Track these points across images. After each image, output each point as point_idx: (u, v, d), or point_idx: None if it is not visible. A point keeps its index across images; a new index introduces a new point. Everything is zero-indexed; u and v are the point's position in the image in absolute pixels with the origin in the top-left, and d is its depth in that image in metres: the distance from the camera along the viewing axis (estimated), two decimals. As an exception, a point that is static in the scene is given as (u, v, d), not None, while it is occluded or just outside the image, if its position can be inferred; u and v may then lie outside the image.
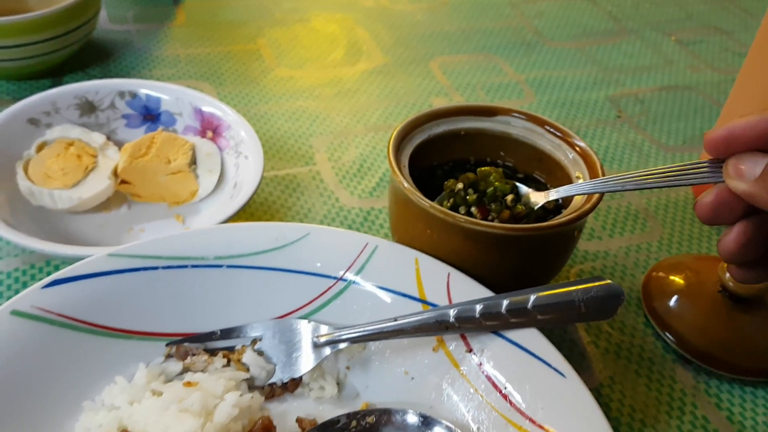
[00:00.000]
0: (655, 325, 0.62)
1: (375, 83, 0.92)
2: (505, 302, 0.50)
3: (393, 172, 0.54)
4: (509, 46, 1.03)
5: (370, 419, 0.49)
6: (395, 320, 0.51)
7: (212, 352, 0.53)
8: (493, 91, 0.93)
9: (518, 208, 0.55)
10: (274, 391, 0.52)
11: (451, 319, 0.50)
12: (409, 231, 0.56)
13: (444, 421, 0.48)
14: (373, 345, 0.54)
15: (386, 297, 0.54)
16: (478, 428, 0.48)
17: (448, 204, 0.56)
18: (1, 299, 0.58)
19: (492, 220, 0.54)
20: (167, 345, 0.53)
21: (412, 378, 0.52)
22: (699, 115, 0.92)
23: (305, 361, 0.52)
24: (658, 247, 0.71)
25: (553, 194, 0.54)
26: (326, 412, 0.51)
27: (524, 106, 0.90)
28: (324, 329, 0.53)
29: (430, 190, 0.57)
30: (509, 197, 0.55)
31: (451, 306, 0.51)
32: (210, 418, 0.46)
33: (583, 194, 0.53)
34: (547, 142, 0.60)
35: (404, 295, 0.53)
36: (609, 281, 0.49)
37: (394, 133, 0.57)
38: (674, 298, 0.62)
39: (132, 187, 0.68)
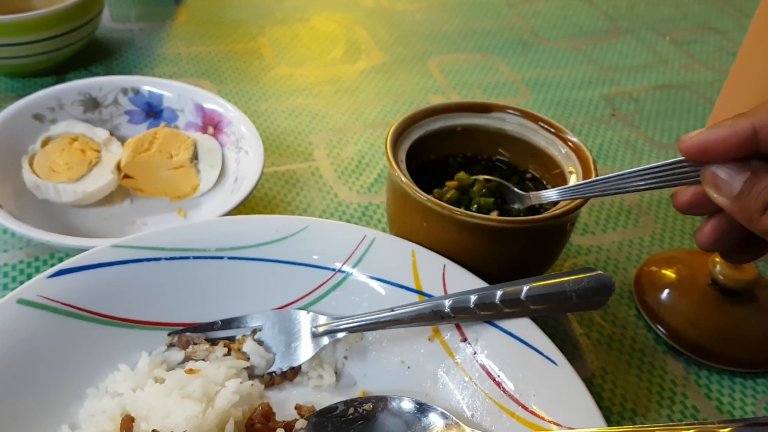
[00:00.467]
0: (646, 317, 0.63)
1: (374, 81, 0.93)
2: (499, 293, 0.51)
3: (391, 166, 0.56)
4: (506, 46, 1.04)
5: (367, 406, 0.50)
6: (392, 310, 0.52)
7: (213, 342, 0.54)
8: (490, 89, 0.94)
9: (513, 207, 0.57)
10: (273, 380, 0.54)
11: (447, 309, 0.51)
12: (406, 224, 0.57)
13: (439, 408, 0.49)
14: (370, 335, 0.55)
15: (383, 288, 0.55)
16: (473, 415, 0.50)
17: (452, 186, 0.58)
18: (7, 290, 0.60)
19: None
20: (169, 334, 0.54)
21: (409, 367, 0.53)
22: (693, 114, 0.94)
23: (304, 351, 0.54)
24: (650, 242, 0.72)
25: (536, 199, 0.56)
26: (324, 400, 0.52)
27: (520, 104, 0.91)
28: (322, 319, 0.54)
29: (427, 185, 0.59)
30: (493, 214, 0.56)
31: (446, 296, 0.52)
32: (211, 404, 0.48)
33: (566, 199, 0.54)
34: (541, 138, 0.62)
35: (401, 286, 0.55)
36: (600, 272, 0.51)
37: (392, 128, 0.58)
38: (666, 292, 0.64)
39: (135, 181, 0.69)
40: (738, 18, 1.18)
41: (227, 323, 0.55)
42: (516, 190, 0.58)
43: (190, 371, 0.50)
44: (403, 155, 0.58)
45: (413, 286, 0.54)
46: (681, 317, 0.61)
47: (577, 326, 0.63)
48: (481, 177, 0.59)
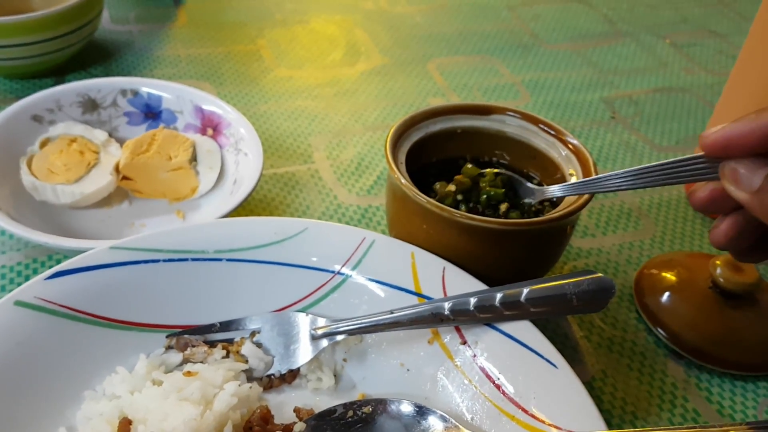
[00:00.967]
0: (647, 320, 0.63)
1: (373, 84, 0.93)
2: (499, 295, 0.51)
3: (390, 168, 0.55)
4: (506, 48, 1.04)
5: (366, 409, 0.50)
6: (391, 313, 0.52)
7: (211, 344, 0.54)
8: (490, 92, 0.94)
9: (512, 215, 0.56)
10: (272, 382, 0.53)
11: (446, 312, 0.51)
12: (406, 226, 0.57)
13: (438, 411, 0.49)
14: (369, 337, 0.55)
15: (383, 290, 0.55)
16: (472, 418, 0.49)
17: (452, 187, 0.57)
18: (5, 292, 0.59)
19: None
20: (167, 336, 0.54)
21: (408, 369, 0.53)
22: (692, 117, 0.93)
23: (303, 353, 0.53)
24: (650, 245, 0.72)
25: (548, 193, 0.56)
26: (323, 403, 0.52)
27: (520, 107, 0.91)
28: (321, 322, 0.54)
29: (427, 187, 0.58)
30: (503, 206, 0.56)
31: (446, 299, 0.52)
32: (209, 407, 0.47)
33: (576, 194, 0.54)
34: (541, 140, 0.62)
35: (400, 289, 0.54)
36: (600, 274, 0.50)
37: (392, 130, 0.58)
38: (666, 295, 0.63)
39: (133, 183, 0.69)
40: (737, 21, 1.18)
41: (226, 325, 0.55)
42: (528, 184, 0.58)
43: (188, 374, 0.50)
44: (402, 157, 0.58)
45: (413, 289, 0.54)
46: (681, 320, 0.61)
47: (577, 329, 0.63)
48: (490, 170, 0.59)
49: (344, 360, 0.55)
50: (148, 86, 0.74)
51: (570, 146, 0.60)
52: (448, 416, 0.48)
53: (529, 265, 0.57)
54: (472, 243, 0.53)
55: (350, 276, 0.55)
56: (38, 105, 0.70)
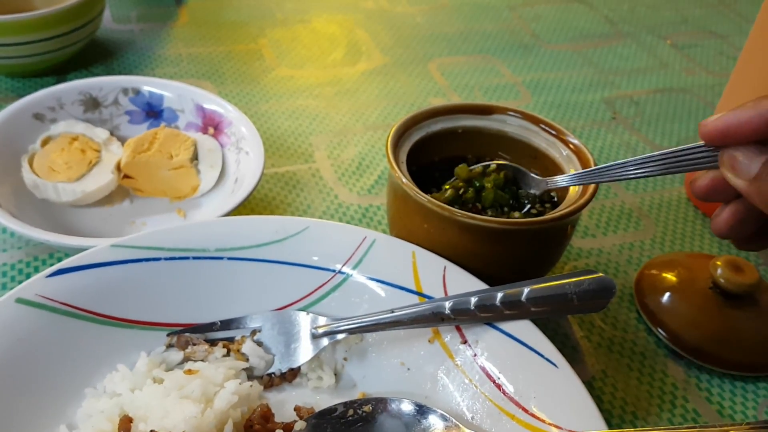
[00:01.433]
0: (647, 320, 0.63)
1: (374, 83, 0.93)
2: (500, 294, 0.51)
3: (391, 167, 0.55)
4: (507, 49, 1.04)
5: (367, 408, 0.50)
6: (392, 312, 0.52)
7: (212, 343, 0.54)
8: (491, 92, 0.94)
9: (514, 215, 0.57)
10: (272, 381, 0.53)
11: (447, 311, 0.51)
12: (407, 225, 0.57)
13: (438, 410, 0.49)
14: (370, 336, 0.55)
15: (383, 289, 0.55)
16: (473, 417, 0.49)
17: (449, 187, 0.57)
18: (6, 290, 0.59)
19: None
20: (168, 335, 0.54)
21: (408, 369, 0.53)
22: (693, 117, 0.93)
23: (303, 352, 0.53)
24: (651, 245, 0.72)
25: (551, 184, 0.56)
26: (324, 402, 0.52)
27: (521, 107, 0.91)
28: (322, 321, 0.54)
29: (428, 186, 0.58)
30: (506, 209, 0.56)
31: (446, 298, 0.52)
32: (210, 405, 0.47)
33: (581, 184, 0.55)
34: (542, 140, 0.62)
35: (401, 288, 0.54)
36: (601, 274, 0.50)
37: (393, 129, 0.58)
38: (666, 295, 0.63)
39: (135, 181, 0.69)
40: (738, 22, 1.19)
41: (226, 324, 0.55)
42: (532, 174, 0.58)
43: (189, 372, 0.50)
44: (403, 156, 0.58)
45: (413, 288, 0.54)
46: (682, 320, 0.61)
47: (578, 329, 0.63)
48: (493, 163, 0.58)
49: (345, 359, 0.55)
50: (150, 85, 0.74)
51: (571, 146, 0.60)
52: (448, 415, 0.48)
53: (529, 264, 0.57)
54: (473, 242, 0.54)
55: (351, 275, 0.55)
56: (40, 103, 0.70)
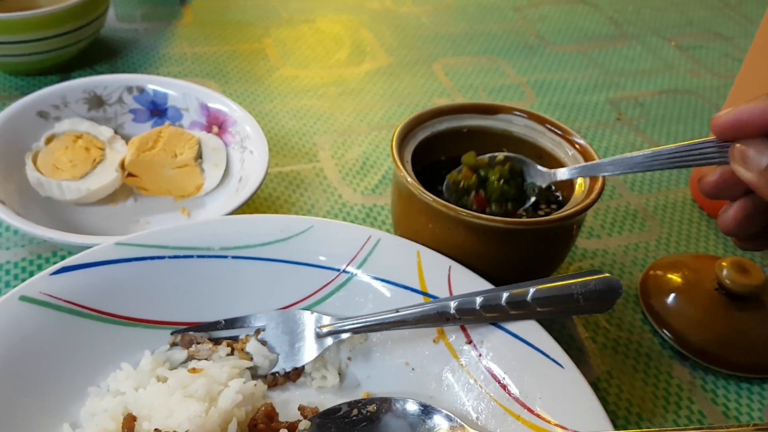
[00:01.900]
0: (652, 321, 0.63)
1: (379, 83, 0.93)
2: (505, 294, 0.50)
3: (396, 166, 0.55)
4: (512, 49, 1.04)
5: (371, 408, 0.49)
6: (397, 311, 0.52)
7: (216, 341, 0.54)
8: (495, 92, 0.94)
9: (518, 214, 0.56)
10: (276, 380, 0.53)
11: (452, 311, 0.51)
12: (412, 225, 0.57)
13: (443, 410, 0.48)
14: (374, 336, 0.54)
15: (388, 289, 0.54)
16: (478, 418, 0.49)
17: (456, 175, 0.57)
18: (10, 288, 0.59)
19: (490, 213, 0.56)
20: (172, 333, 0.53)
21: (413, 369, 0.53)
22: (698, 119, 0.93)
23: (308, 351, 0.53)
24: (656, 246, 0.72)
25: (559, 175, 0.56)
26: (328, 401, 0.52)
27: (525, 107, 0.91)
28: (327, 320, 0.54)
29: (433, 186, 0.58)
30: (510, 204, 0.56)
31: (451, 298, 0.52)
32: (214, 404, 0.47)
33: (587, 176, 0.54)
34: (547, 140, 0.61)
35: (406, 287, 0.54)
36: (607, 274, 0.50)
37: (398, 128, 0.58)
38: (672, 296, 0.63)
39: (139, 180, 0.69)
40: (743, 24, 1.18)
41: (231, 323, 0.54)
42: (538, 167, 0.58)
43: (193, 370, 0.50)
44: (408, 156, 0.58)
45: (418, 288, 0.54)
46: (687, 322, 0.61)
47: (583, 330, 0.62)
48: (500, 155, 0.58)
49: (349, 358, 0.54)
50: (154, 83, 0.74)
51: (577, 146, 0.59)
52: (453, 415, 0.48)
53: (535, 264, 0.57)
54: (478, 242, 0.53)
55: (355, 274, 0.55)
56: (44, 101, 0.70)
